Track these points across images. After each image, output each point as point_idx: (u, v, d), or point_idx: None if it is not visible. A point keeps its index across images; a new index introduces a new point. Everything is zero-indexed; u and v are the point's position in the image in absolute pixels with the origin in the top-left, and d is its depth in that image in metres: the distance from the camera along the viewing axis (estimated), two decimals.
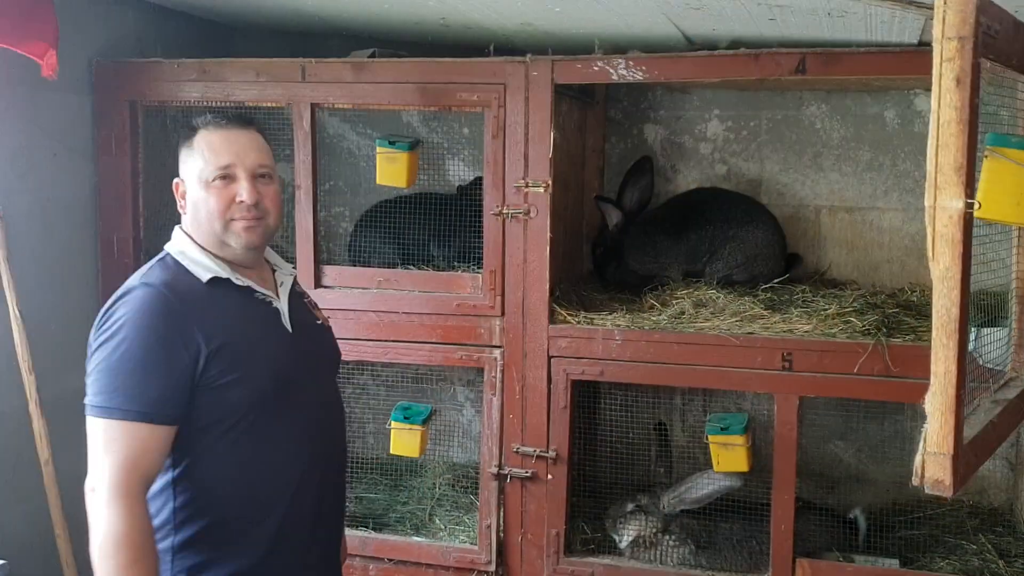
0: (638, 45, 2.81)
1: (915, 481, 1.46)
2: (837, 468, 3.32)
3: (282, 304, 2.04)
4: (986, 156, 1.50)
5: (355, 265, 3.19)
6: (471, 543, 2.99)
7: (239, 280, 1.97)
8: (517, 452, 2.87)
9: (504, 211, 2.80)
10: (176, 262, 1.96)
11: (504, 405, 2.88)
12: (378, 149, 2.88)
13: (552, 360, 2.82)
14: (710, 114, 3.32)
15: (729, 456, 2.71)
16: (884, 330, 2.60)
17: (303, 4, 2.93)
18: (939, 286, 1.37)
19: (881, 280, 3.22)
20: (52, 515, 2.84)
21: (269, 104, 3.01)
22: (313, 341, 2.10)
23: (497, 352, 2.87)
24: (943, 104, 1.35)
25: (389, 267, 3.11)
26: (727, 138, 3.32)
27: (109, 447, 1.77)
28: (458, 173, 3.54)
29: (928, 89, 3.00)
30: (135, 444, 1.78)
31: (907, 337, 2.60)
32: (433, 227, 3.22)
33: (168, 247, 2.02)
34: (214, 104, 3.04)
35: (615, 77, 2.70)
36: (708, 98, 3.31)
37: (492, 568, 2.92)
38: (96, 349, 1.85)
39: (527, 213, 2.78)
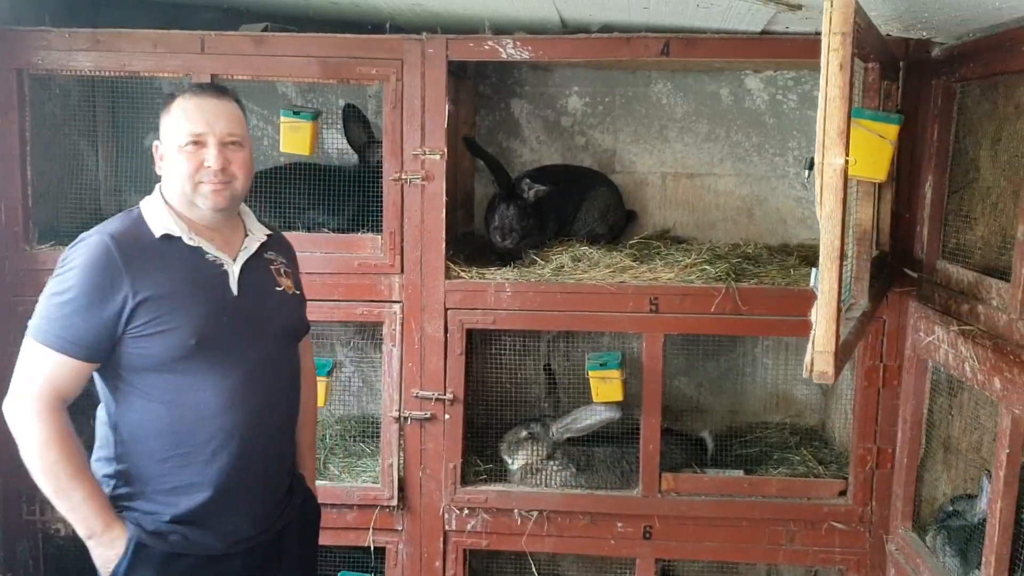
0: (517, 27, 3.13)
1: (804, 374, 1.88)
2: (681, 401, 3.82)
3: (233, 267, 2.18)
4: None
5: None
6: (372, 482, 3.25)
7: (191, 240, 2.14)
8: (416, 396, 3.16)
9: (403, 177, 3.06)
10: (140, 213, 2.16)
11: (403, 355, 3.16)
12: (282, 119, 3.05)
13: (448, 312, 3.12)
14: (570, 90, 3.69)
15: (606, 388, 3.12)
16: (733, 275, 3.09)
17: None
18: (825, 224, 1.79)
19: (717, 236, 3.71)
20: None
21: (166, 75, 3.11)
22: (261, 305, 2.23)
23: (396, 307, 3.14)
24: (830, 84, 1.76)
25: None
26: (585, 112, 3.70)
27: (36, 366, 2.03)
28: (335, 144, 3.73)
29: (756, 71, 3.57)
30: (55, 370, 2.02)
31: (751, 281, 3.09)
32: (317, 194, 3.41)
33: (144, 199, 2.21)
34: (107, 74, 3.11)
35: (504, 56, 3.01)
36: (568, 76, 3.68)
37: (394, 503, 3.20)
38: (52, 279, 2.08)
39: (425, 179, 3.06)
